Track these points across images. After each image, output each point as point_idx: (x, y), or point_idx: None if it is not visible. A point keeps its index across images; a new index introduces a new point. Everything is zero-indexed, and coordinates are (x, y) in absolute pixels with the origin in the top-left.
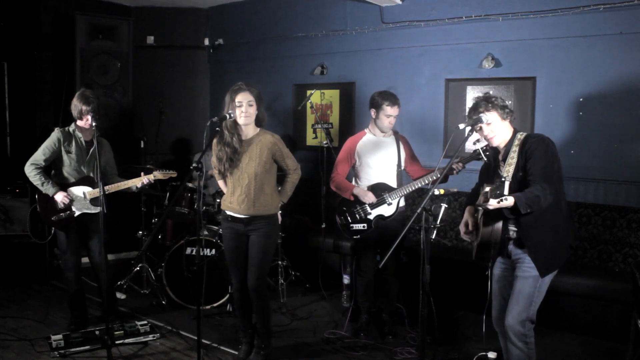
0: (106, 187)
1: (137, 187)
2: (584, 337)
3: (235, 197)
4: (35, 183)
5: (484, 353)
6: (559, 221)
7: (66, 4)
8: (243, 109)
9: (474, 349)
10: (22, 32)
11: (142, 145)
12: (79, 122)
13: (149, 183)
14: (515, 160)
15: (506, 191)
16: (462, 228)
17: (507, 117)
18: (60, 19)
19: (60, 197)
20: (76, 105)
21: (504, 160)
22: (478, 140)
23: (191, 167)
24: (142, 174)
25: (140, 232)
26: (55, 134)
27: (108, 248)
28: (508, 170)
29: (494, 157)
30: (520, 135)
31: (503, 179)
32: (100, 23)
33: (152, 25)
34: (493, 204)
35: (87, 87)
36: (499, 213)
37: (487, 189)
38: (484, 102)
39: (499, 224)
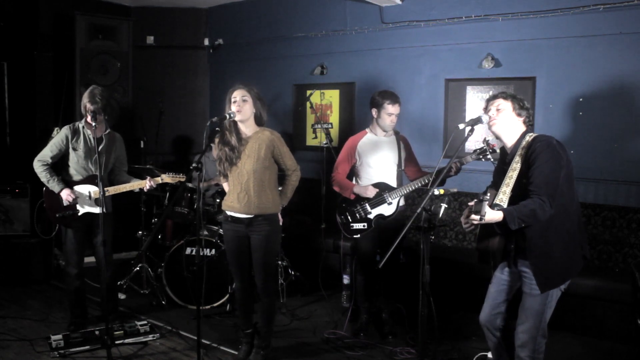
0: (106, 189)
1: (145, 190)
2: (584, 337)
3: (235, 196)
4: (42, 179)
5: (484, 353)
6: (569, 231)
7: (66, 4)
8: (237, 104)
9: (474, 349)
10: (21, 32)
11: (142, 146)
12: (87, 119)
13: (152, 187)
14: (519, 165)
15: (484, 210)
16: (462, 219)
17: (521, 114)
18: (60, 19)
19: (65, 195)
20: (83, 101)
21: (510, 162)
22: (486, 140)
23: (191, 168)
24: (148, 178)
25: (140, 232)
26: (64, 130)
27: (110, 247)
28: (511, 176)
29: (501, 159)
30: (529, 137)
31: (481, 199)
32: (100, 23)
33: (152, 25)
34: (475, 219)
35: (87, 87)
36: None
37: (472, 203)
38: (505, 92)
39: (497, 237)
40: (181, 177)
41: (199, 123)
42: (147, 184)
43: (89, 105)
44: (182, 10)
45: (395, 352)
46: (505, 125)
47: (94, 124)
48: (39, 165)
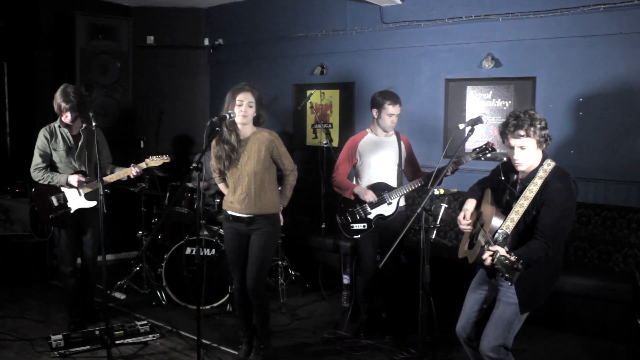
0: (94, 182)
1: (132, 177)
2: (584, 337)
3: (236, 197)
4: (45, 181)
5: None
6: (557, 262)
7: (66, 4)
8: (243, 109)
9: None
10: (22, 32)
11: (142, 146)
12: (62, 117)
13: (140, 172)
14: (533, 195)
15: (514, 280)
16: (461, 219)
17: (543, 145)
18: (60, 19)
19: (74, 179)
20: (55, 100)
21: (523, 187)
22: (506, 157)
23: (191, 167)
24: (132, 164)
25: (140, 232)
26: (41, 133)
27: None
28: (522, 204)
29: (505, 174)
30: (547, 166)
31: (516, 267)
32: (100, 23)
33: (152, 25)
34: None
35: (88, 87)
36: None
37: (500, 251)
38: (528, 125)
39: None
40: (165, 159)
41: (199, 123)
42: (132, 170)
43: (63, 105)
44: (182, 10)
45: (395, 352)
46: (529, 161)
47: (94, 124)
48: (36, 172)
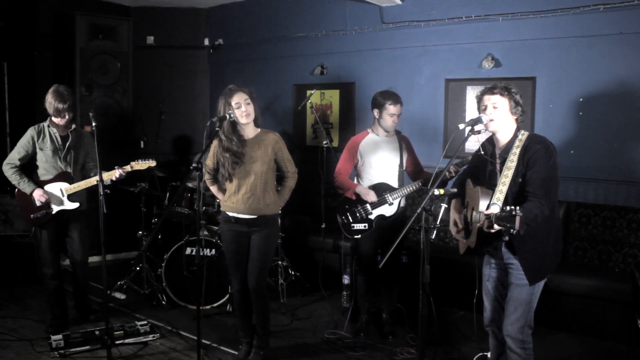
0: (77, 184)
1: (114, 179)
2: (584, 337)
3: (239, 196)
4: (12, 182)
5: (484, 353)
6: (553, 229)
7: (66, 4)
8: (243, 109)
9: (474, 349)
10: (22, 32)
11: (142, 146)
12: (54, 119)
13: (122, 176)
14: (515, 164)
15: (517, 225)
16: (452, 229)
17: (516, 112)
18: (60, 19)
19: (37, 195)
20: (51, 102)
21: (503, 160)
22: (478, 132)
23: (191, 167)
24: (116, 167)
25: (140, 232)
26: (29, 131)
27: (93, 249)
28: (507, 175)
29: (491, 153)
30: (522, 136)
31: (514, 213)
32: (100, 23)
33: (152, 25)
34: (497, 228)
35: (87, 87)
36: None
37: (493, 212)
38: (502, 87)
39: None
40: (151, 162)
41: (199, 123)
42: (116, 173)
43: (60, 105)
44: (182, 10)
45: (395, 352)
46: (501, 123)
47: (95, 125)
48: (8, 168)
